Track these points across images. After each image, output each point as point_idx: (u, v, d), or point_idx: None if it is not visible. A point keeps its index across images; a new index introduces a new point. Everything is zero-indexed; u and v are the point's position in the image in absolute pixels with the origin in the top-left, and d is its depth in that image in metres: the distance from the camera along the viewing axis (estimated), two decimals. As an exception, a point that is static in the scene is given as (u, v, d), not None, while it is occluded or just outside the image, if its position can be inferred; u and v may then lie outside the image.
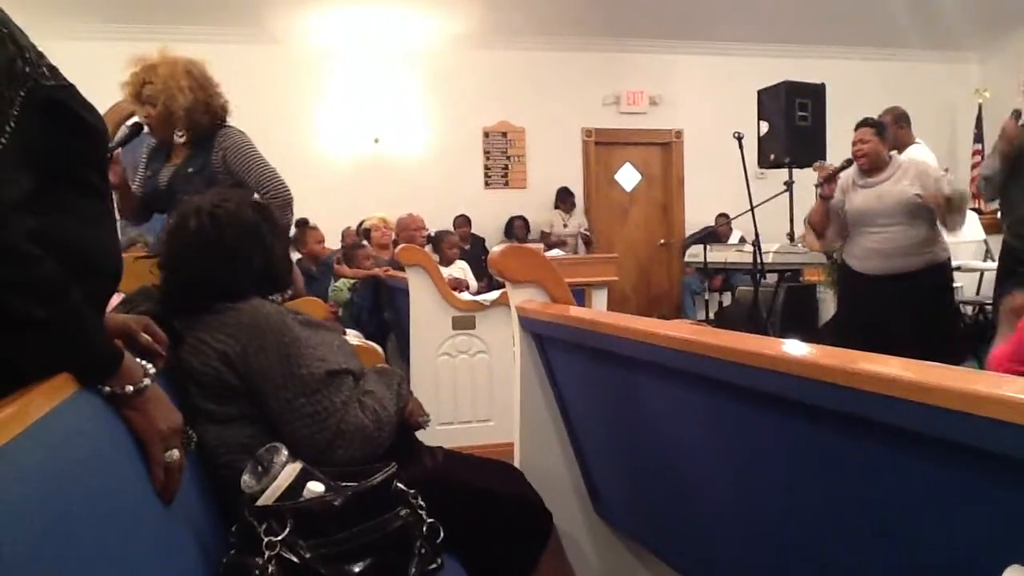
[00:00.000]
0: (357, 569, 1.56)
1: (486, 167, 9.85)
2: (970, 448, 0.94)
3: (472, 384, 4.69)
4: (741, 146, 6.09)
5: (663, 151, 10.48)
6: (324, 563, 1.53)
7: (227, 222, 1.94)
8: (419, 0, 8.59)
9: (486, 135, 9.82)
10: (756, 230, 5.93)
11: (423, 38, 9.34)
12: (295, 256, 5.58)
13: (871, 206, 4.46)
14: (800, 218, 7.44)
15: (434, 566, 1.73)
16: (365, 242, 6.92)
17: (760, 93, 7.91)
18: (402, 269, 4.92)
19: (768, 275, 6.62)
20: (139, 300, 1.91)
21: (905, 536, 1.14)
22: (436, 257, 5.90)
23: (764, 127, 7.77)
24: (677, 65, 10.12)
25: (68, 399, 1.07)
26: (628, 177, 10.47)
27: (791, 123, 7.48)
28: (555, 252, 7.70)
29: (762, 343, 1.37)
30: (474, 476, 2.11)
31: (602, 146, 10.23)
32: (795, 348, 1.30)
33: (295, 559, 1.51)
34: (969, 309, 6.65)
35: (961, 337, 5.69)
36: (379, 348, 3.18)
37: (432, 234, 7.06)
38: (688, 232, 10.09)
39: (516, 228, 9.53)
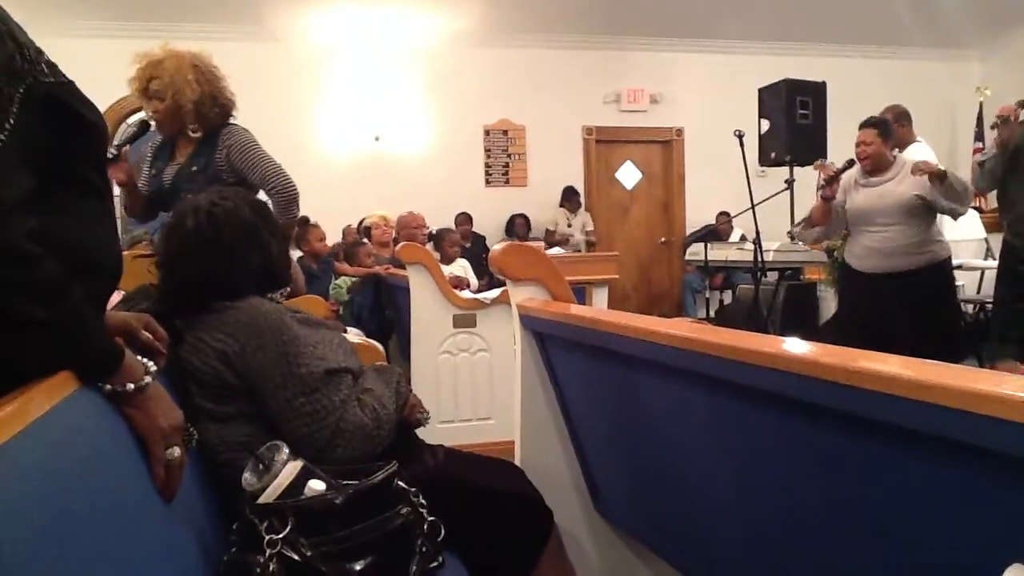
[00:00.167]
0: (358, 567, 1.56)
1: (487, 165, 9.85)
2: (970, 446, 0.94)
3: (473, 382, 4.69)
4: (742, 144, 6.09)
5: (664, 149, 10.48)
6: (325, 561, 1.53)
7: (225, 221, 1.94)
8: (419, -2, 8.61)
9: (487, 133, 9.82)
10: (757, 228, 5.93)
11: (423, 36, 9.33)
12: (296, 254, 5.58)
13: (872, 205, 4.46)
14: (800, 216, 7.44)
15: (435, 564, 1.73)
16: (366, 240, 6.93)
17: (761, 91, 7.92)
18: (403, 267, 4.92)
19: (769, 273, 6.63)
20: (139, 298, 1.91)
21: (905, 535, 1.14)
22: (437, 255, 5.90)
23: (765, 125, 7.78)
24: (678, 63, 10.11)
25: (69, 397, 1.07)
26: (629, 175, 10.47)
27: (792, 121, 7.48)
28: (556, 250, 7.70)
29: (762, 341, 1.37)
30: (475, 474, 2.11)
31: (603, 144, 10.23)
32: (795, 346, 1.30)
33: (296, 557, 1.51)
34: (970, 308, 6.65)
35: (962, 336, 5.69)
36: (379, 346, 3.18)
37: (433, 232, 7.07)
38: (689, 230, 10.09)
39: (517, 226, 9.54)
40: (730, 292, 8.73)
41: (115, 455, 1.16)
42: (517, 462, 2.47)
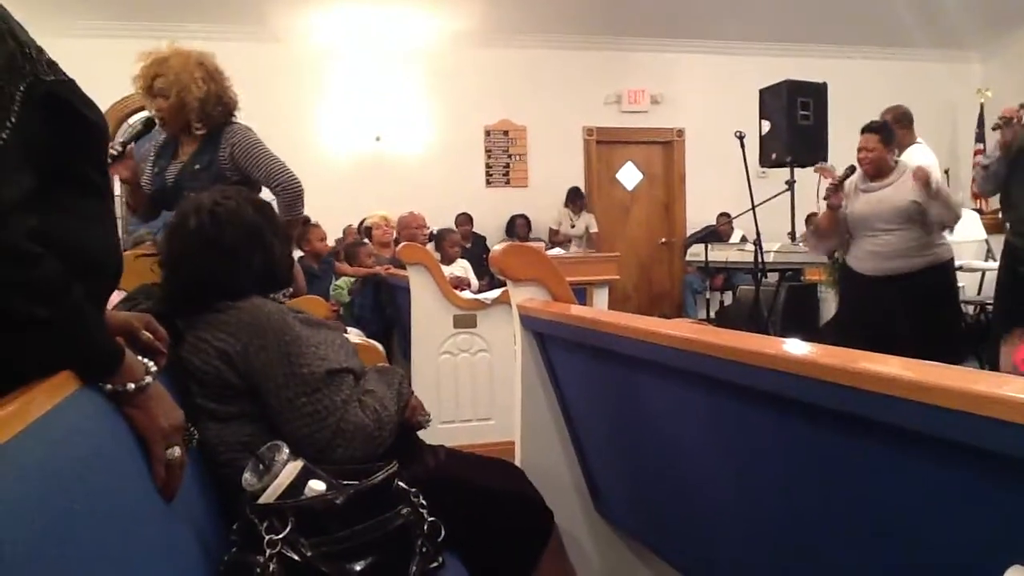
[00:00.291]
0: (358, 567, 1.56)
1: (487, 165, 9.85)
2: (971, 448, 0.94)
3: (473, 383, 4.70)
4: (743, 145, 6.09)
5: (664, 150, 10.48)
6: (325, 561, 1.53)
7: (227, 220, 1.94)
8: (420, -2, 8.61)
9: (487, 133, 9.82)
10: (757, 229, 5.93)
11: (424, 36, 9.34)
12: (297, 254, 5.58)
13: (872, 210, 4.45)
14: (801, 217, 7.46)
15: (435, 564, 1.73)
16: (367, 240, 6.93)
17: (762, 92, 7.92)
18: (403, 267, 4.92)
19: (769, 274, 6.63)
20: (140, 298, 1.91)
21: (905, 535, 1.14)
22: (437, 255, 5.90)
23: (766, 126, 7.78)
24: (678, 64, 10.11)
25: (69, 397, 1.07)
26: (629, 176, 10.46)
27: (793, 122, 7.48)
28: (556, 251, 7.70)
29: (763, 342, 1.37)
30: (475, 475, 2.11)
31: (603, 145, 10.22)
32: (796, 347, 1.30)
33: (296, 557, 1.51)
34: (970, 309, 6.65)
35: (962, 337, 5.69)
36: (380, 347, 3.18)
37: (434, 232, 7.07)
38: (689, 231, 10.09)
39: (518, 227, 9.53)
40: (731, 293, 8.74)
41: (116, 455, 1.16)
42: (517, 463, 2.47)
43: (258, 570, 1.49)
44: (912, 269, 4.39)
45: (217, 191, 2.05)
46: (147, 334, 1.39)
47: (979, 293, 6.90)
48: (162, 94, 3.24)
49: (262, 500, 1.57)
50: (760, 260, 6.07)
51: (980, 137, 9.88)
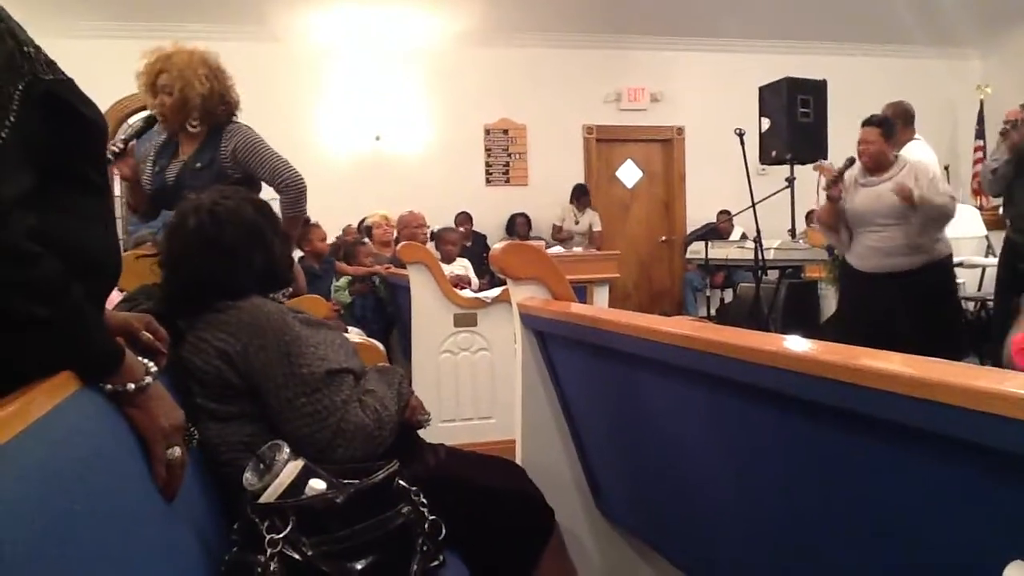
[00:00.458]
0: (359, 566, 1.56)
1: (487, 164, 9.85)
2: (972, 444, 0.94)
3: (474, 381, 4.70)
4: (742, 142, 6.09)
5: (664, 148, 10.48)
6: (326, 560, 1.53)
7: (227, 220, 1.94)
8: (419, -3, 8.61)
9: (487, 132, 9.82)
10: (757, 226, 5.93)
11: (424, 36, 9.33)
12: (298, 254, 5.58)
13: (870, 206, 4.45)
14: (801, 215, 7.46)
15: (436, 563, 1.73)
16: (367, 239, 6.92)
17: (761, 89, 7.91)
18: (403, 266, 4.92)
19: (769, 272, 6.63)
20: (141, 298, 1.91)
21: (906, 532, 1.14)
22: (437, 254, 5.90)
23: (765, 123, 7.77)
24: (678, 61, 10.11)
25: (69, 397, 1.07)
26: (629, 174, 10.46)
27: (792, 120, 7.47)
28: (557, 249, 7.70)
29: (763, 340, 1.37)
30: (476, 473, 2.11)
31: (603, 143, 10.22)
32: (796, 344, 1.30)
33: (297, 557, 1.51)
34: (971, 305, 6.65)
35: (963, 333, 5.69)
36: (380, 346, 3.18)
37: (434, 231, 7.06)
38: (689, 229, 10.09)
39: (518, 225, 9.53)
40: (731, 290, 8.74)
41: (116, 455, 1.16)
42: (518, 461, 2.47)
43: (259, 569, 1.49)
44: (912, 267, 4.39)
45: (216, 191, 2.05)
46: (147, 334, 1.39)
47: (979, 289, 6.90)
48: (165, 90, 3.25)
49: (263, 499, 1.57)
50: (760, 257, 6.07)
51: (980, 134, 9.89)
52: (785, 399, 1.28)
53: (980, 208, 8.05)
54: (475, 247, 8.79)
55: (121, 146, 3.15)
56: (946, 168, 8.92)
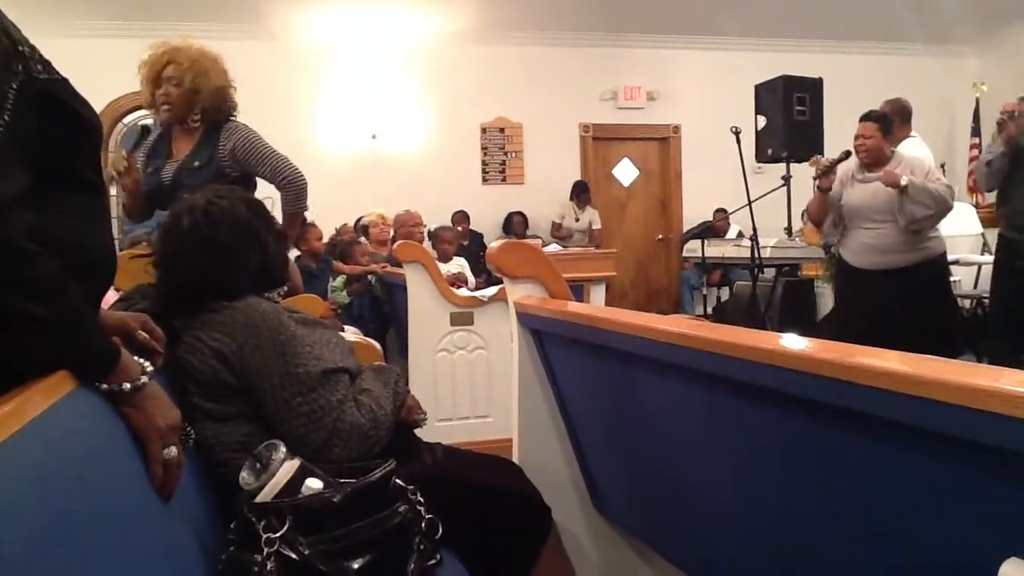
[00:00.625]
0: (356, 565, 1.56)
1: (484, 163, 9.85)
2: (968, 442, 0.94)
3: (470, 380, 4.69)
4: (739, 141, 6.09)
5: (661, 146, 10.48)
6: (323, 559, 1.53)
7: (221, 219, 1.94)
8: (416, -3, 8.60)
9: (483, 131, 9.82)
10: (754, 225, 5.93)
11: (420, 35, 9.33)
12: (294, 253, 5.57)
13: (866, 201, 4.46)
14: (797, 213, 7.45)
15: (433, 562, 1.73)
16: (363, 238, 6.92)
17: (758, 88, 7.92)
18: (400, 265, 4.92)
19: (766, 270, 6.63)
20: (137, 298, 1.91)
21: (904, 530, 1.14)
22: (434, 253, 5.90)
23: (762, 122, 7.77)
24: (674, 60, 10.12)
25: (66, 396, 1.07)
26: (626, 172, 10.47)
27: (789, 118, 7.48)
28: (553, 247, 7.70)
29: (760, 338, 1.37)
30: (473, 472, 2.11)
31: (600, 141, 10.23)
32: (793, 342, 1.30)
33: (294, 556, 1.51)
34: (967, 303, 6.66)
35: (959, 331, 5.70)
36: (377, 345, 3.18)
37: (431, 230, 7.07)
38: (686, 227, 10.09)
39: (515, 224, 9.53)
40: (728, 288, 8.74)
41: (113, 455, 1.16)
42: (515, 460, 2.47)
43: (256, 569, 1.48)
44: (906, 264, 4.40)
45: (211, 190, 2.05)
46: (143, 334, 1.39)
47: (975, 287, 6.90)
48: (172, 81, 3.24)
49: (259, 499, 1.57)
50: (757, 255, 6.07)
51: (976, 131, 9.89)
52: (782, 397, 1.28)
53: (976, 206, 8.05)
54: (472, 246, 8.79)
55: (126, 164, 3.16)
56: (942, 165, 8.91)
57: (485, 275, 6.71)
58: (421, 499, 1.76)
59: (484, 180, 9.85)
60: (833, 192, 4.61)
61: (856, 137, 4.53)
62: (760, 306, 6.45)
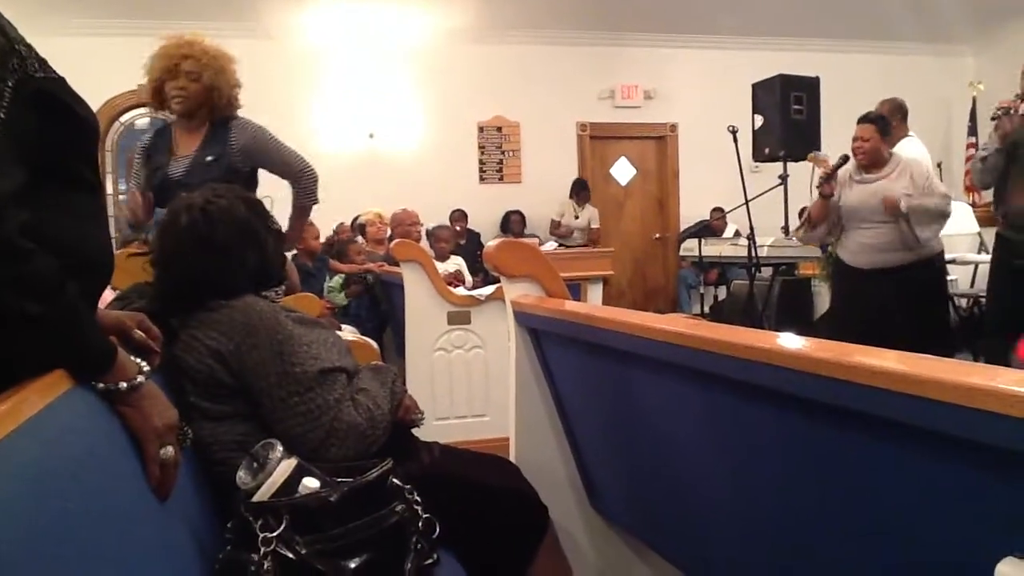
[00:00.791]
0: (353, 565, 1.56)
1: (481, 162, 9.84)
2: (965, 441, 0.94)
3: (468, 379, 4.69)
4: (736, 140, 6.09)
5: (658, 145, 10.48)
6: (320, 559, 1.53)
7: (219, 218, 1.93)
8: (413, -4, 8.60)
9: (480, 130, 9.81)
10: (751, 224, 5.93)
11: (417, 34, 9.32)
12: (291, 252, 5.57)
13: (865, 202, 4.46)
14: (794, 212, 7.45)
15: (430, 561, 1.73)
16: (360, 238, 6.92)
17: (755, 87, 7.92)
18: (397, 264, 4.91)
19: (763, 269, 6.63)
20: (134, 297, 1.90)
21: (900, 529, 1.14)
22: (431, 252, 5.90)
23: (759, 121, 7.77)
24: (672, 59, 10.11)
25: (62, 395, 1.07)
26: (623, 171, 10.47)
27: (786, 117, 7.48)
28: (550, 246, 7.70)
29: (757, 337, 1.37)
30: (470, 471, 2.11)
31: (597, 140, 10.22)
32: (790, 341, 1.30)
33: (291, 555, 1.51)
34: (963, 302, 6.66)
35: (955, 330, 5.70)
36: (374, 344, 3.18)
37: (428, 229, 7.06)
38: (683, 226, 10.10)
39: (512, 223, 9.52)
40: (725, 288, 8.74)
41: (110, 454, 1.16)
42: (512, 459, 2.47)
43: (253, 568, 1.48)
44: (903, 263, 4.41)
45: (208, 189, 2.04)
46: (140, 333, 1.38)
47: (972, 286, 6.90)
48: (191, 76, 3.25)
49: (256, 498, 1.56)
50: (754, 255, 6.07)
51: (973, 130, 9.90)
52: (779, 396, 1.28)
53: (973, 205, 8.06)
54: (469, 245, 8.79)
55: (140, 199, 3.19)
56: (939, 165, 8.94)
57: (482, 274, 6.70)
58: (418, 498, 1.75)
59: (481, 179, 9.85)
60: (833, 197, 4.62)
61: (854, 139, 4.54)
62: (757, 305, 6.46)
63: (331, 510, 1.57)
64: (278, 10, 8.64)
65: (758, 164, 7.89)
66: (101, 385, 1.17)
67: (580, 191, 9.63)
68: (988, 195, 5.51)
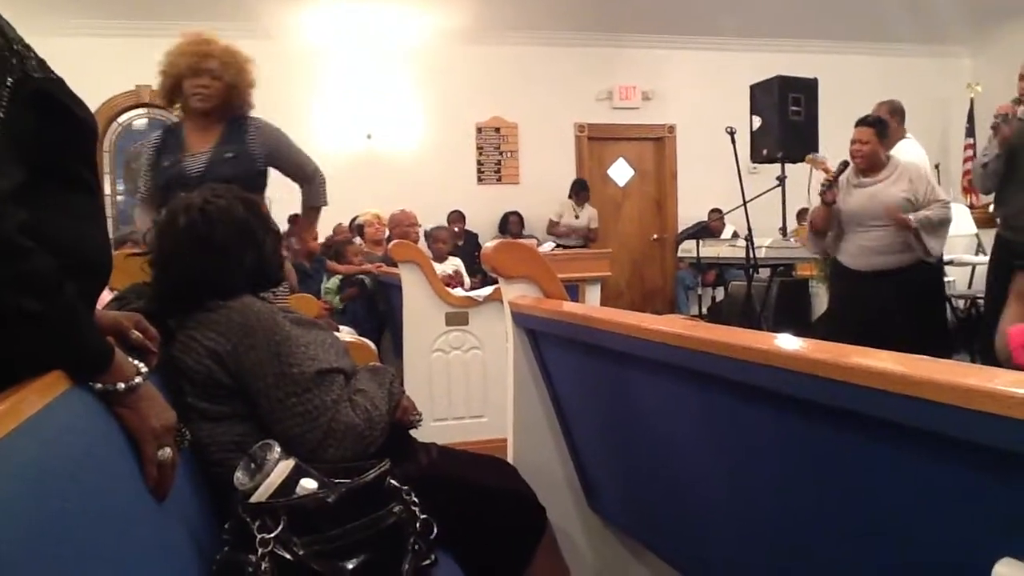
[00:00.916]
0: (351, 566, 1.56)
1: (479, 163, 9.85)
2: (962, 442, 0.94)
3: (466, 380, 4.69)
4: (734, 141, 6.09)
5: (656, 146, 10.49)
6: (318, 560, 1.53)
7: (218, 218, 1.93)
8: (411, -4, 8.60)
9: (479, 131, 9.82)
10: (749, 225, 5.94)
11: (416, 34, 9.32)
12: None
13: (863, 206, 4.47)
14: (792, 213, 7.47)
15: (428, 562, 1.73)
16: (358, 238, 6.92)
17: (753, 88, 7.91)
18: (395, 265, 4.91)
19: (761, 270, 6.63)
20: (131, 297, 1.90)
21: (898, 529, 1.14)
22: (429, 253, 5.90)
23: (757, 122, 7.77)
24: (670, 60, 10.12)
25: (60, 396, 1.07)
26: (621, 172, 10.47)
27: (784, 118, 7.47)
28: (548, 246, 7.69)
29: (755, 338, 1.37)
30: (468, 472, 2.11)
31: (595, 141, 10.23)
32: (788, 342, 1.30)
33: (288, 556, 1.51)
34: (961, 303, 6.67)
35: (953, 331, 5.71)
36: (372, 345, 3.18)
37: (426, 230, 7.06)
38: (681, 227, 10.10)
39: (510, 223, 9.52)
40: (723, 289, 8.74)
41: (107, 455, 1.16)
42: (510, 460, 2.47)
43: (250, 569, 1.48)
44: (901, 265, 4.42)
45: (207, 190, 2.04)
46: (137, 334, 1.38)
47: (970, 287, 6.92)
48: (214, 73, 3.27)
49: (254, 499, 1.56)
50: (752, 256, 6.07)
51: (970, 132, 9.92)
52: (777, 397, 1.28)
53: (971, 207, 8.07)
54: (467, 246, 8.78)
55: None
56: (936, 166, 8.93)
57: (480, 275, 6.70)
58: (416, 499, 1.76)
59: (480, 180, 9.85)
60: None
61: (852, 142, 4.55)
62: (755, 306, 6.46)
63: (329, 511, 1.57)
64: (277, 10, 8.64)
65: (756, 165, 7.88)
66: (99, 386, 1.17)
67: (580, 191, 9.63)
68: (986, 197, 5.52)
